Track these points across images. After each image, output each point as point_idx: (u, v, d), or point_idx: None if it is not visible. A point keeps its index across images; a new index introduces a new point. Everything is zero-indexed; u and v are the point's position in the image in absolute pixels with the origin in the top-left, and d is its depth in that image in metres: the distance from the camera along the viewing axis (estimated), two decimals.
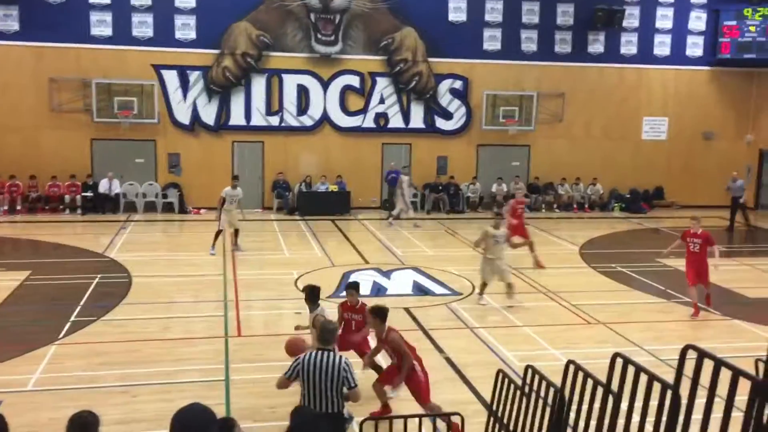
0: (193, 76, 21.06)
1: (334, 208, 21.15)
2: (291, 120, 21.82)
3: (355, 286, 9.12)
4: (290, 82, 21.66)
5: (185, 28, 20.88)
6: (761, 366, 5.78)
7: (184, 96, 21.13)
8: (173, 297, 12.80)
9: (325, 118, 22.02)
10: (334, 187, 21.60)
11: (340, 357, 5.85)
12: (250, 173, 21.73)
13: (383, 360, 8.90)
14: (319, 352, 5.83)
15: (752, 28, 22.87)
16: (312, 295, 8.26)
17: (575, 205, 23.14)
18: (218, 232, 15.85)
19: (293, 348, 7.18)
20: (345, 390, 5.80)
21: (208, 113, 21.36)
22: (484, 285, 12.61)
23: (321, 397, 5.75)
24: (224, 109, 21.41)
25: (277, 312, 12.23)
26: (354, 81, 22.05)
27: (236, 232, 16.20)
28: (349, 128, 22.15)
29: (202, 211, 21.09)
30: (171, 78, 20.98)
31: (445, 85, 22.60)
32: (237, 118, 21.51)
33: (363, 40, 21.91)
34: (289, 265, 15.06)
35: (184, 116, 21.24)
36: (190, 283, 13.63)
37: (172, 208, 21.16)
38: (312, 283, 8.69)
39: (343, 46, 21.77)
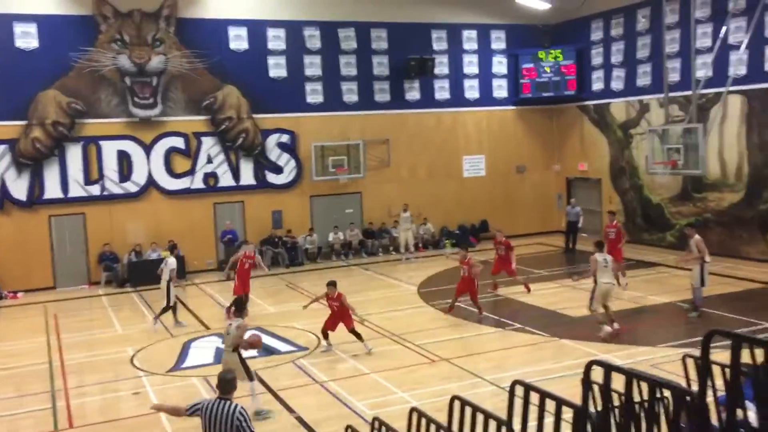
0: None
1: None
2: (113, 188, 20.82)
3: (333, 284, 12.71)
4: (110, 149, 20.73)
5: None
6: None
7: None
8: None
9: (150, 183, 21.25)
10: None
11: (236, 405, 6.00)
12: (72, 248, 20.40)
13: None
14: (218, 400, 6.04)
15: (547, 69, 25.19)
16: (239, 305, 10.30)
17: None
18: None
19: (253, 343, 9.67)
20: None
21: (19, 188, 19.85)
22: None
23: None
24: (37, 183, 20.02)
25: (114, 395, 11.46)
26: (178, 142, 21.54)
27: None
28: (178, 191, 21.53)
29: (19, 294, 19.40)
30: None
31: (272, 140, 22.68)
32: (53, 190, 20.17)
33: (184, 101, 21.51)
34: (123, 343, 14.21)
35: None
36: (10, 375, 12.44)
37: None
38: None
39: (163, 108, 21.25)
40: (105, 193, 20.69)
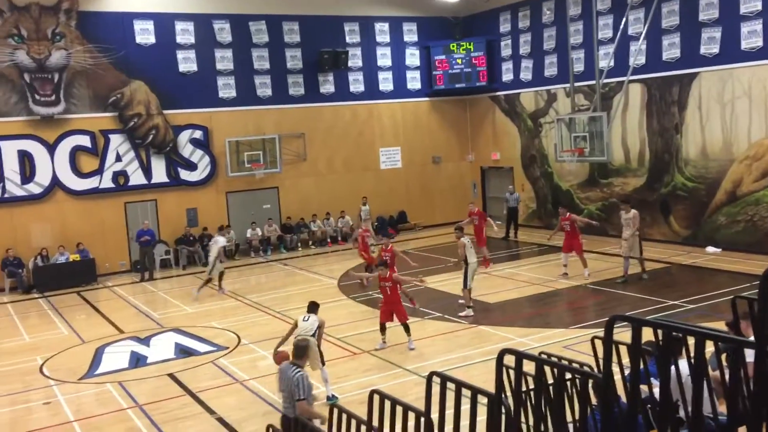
0: None
1: (78, 278, 19.53)
2: (15, 189, 19.82)
3: (383, 263, 12.87)
4: (10, 149, 19.71)
5: None
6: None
7: None
8: None
9: (56, 183, 20.35)
10: (75, 257, 19.96)
11: (298, 371, 6.91)
12: None
13: None
14: (289, 365, 7.10)
15: (459, 61, 25.61)
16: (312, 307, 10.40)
17: (329, 240, 23.86)
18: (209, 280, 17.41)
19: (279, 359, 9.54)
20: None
21: None
22: None
23: (286, 403, 7.04)
24: None
25: (25, 406, 10.96)
26: (84, 141, 20.71)
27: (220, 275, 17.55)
28: (86, 191, 20.72)
29: None
30: None
31: (184, 136, 22.13)
32: None
33: (89, 98, 20.68)
34: (31, 351, 13.60)
35: None
36: None
37: None
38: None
39: (66, 106, 20.36)
40: (6, 195, 19.68)
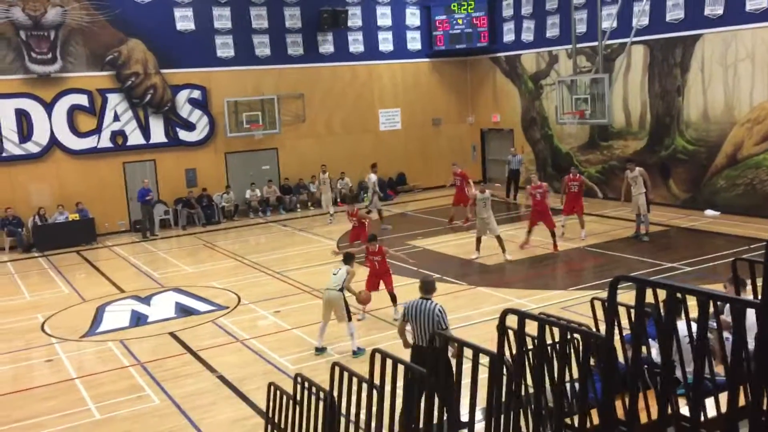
0: None
1: (77, 238, 19.56)
2: (13, 148, 19.73)
3: (374, 238, 12.27)
4: (7, 107, 19.56)
5: None
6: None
7: None
8: None
9: (54, 143, 20.24)
10: (74, 216, 19.96)
11: (436, 304, 7.14)
12: None
13: None
14: (421, 300, 7.23)
15: (459, 21, 25.28)
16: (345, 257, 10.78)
17: None
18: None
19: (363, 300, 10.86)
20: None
21: None
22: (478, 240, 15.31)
23: (424, 336, 7.06)
24: None
25: (26, 363, 11.09)
26: (82, 100, 20.53)
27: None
28: (84, 150, 20.62)
29: None
30: None
31: (183, 96, 21.94)
32: None
33: (86, 56, 20.44)
34: (32, 309, 13.69)
35: None
36: None
37: None
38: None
39: (63, 64, 20.14)
40: (4, 154, 19.59)
